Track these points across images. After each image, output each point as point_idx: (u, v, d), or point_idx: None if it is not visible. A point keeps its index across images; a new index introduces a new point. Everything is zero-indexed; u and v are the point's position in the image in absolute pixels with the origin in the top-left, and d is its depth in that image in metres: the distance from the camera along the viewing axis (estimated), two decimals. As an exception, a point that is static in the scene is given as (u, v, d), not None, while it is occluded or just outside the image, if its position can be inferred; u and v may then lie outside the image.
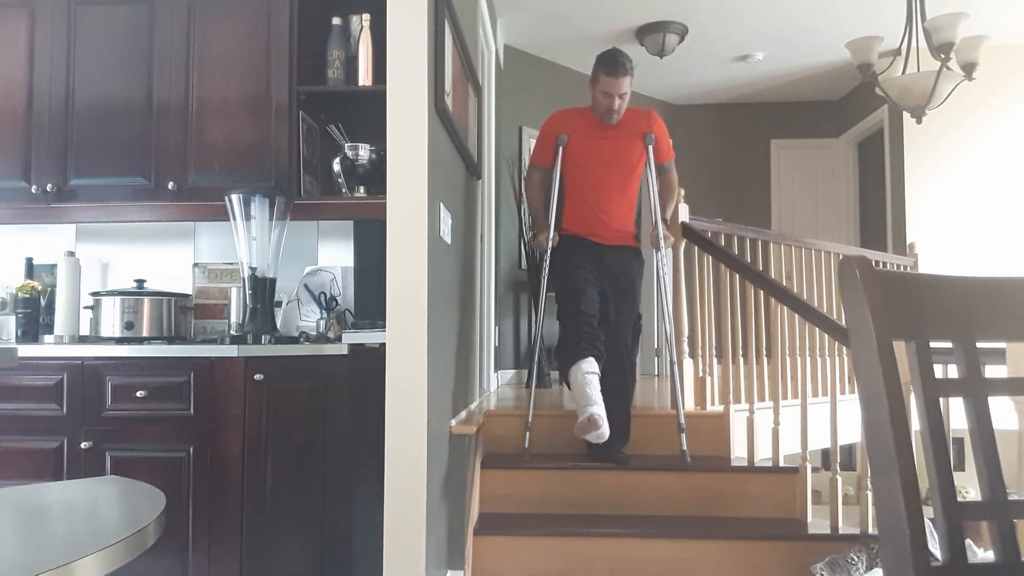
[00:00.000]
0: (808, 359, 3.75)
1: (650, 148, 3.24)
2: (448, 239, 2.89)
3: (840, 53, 5.31)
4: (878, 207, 6.16)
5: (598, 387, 3.02)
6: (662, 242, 3.24)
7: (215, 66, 2.94)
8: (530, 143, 5.82)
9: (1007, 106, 5.47)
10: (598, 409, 2.95)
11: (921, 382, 0.88)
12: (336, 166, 2.99)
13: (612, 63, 3.09)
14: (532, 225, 3.66)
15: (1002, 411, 1.06)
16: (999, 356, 1.47)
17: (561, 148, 3.24)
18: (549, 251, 3.22)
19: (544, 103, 5.85)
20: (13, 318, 3.07)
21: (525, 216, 5.25)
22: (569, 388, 3.12)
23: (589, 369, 3.04)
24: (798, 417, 3.14)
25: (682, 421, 3.15)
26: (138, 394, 2.56)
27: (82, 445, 2.55)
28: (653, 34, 5.32)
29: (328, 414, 2.70)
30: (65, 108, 2.96)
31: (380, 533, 2.41)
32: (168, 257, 3.22)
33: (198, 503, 2.55)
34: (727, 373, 3.44)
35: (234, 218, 2.87)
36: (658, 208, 3.29)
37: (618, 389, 3.15)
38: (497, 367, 5.04)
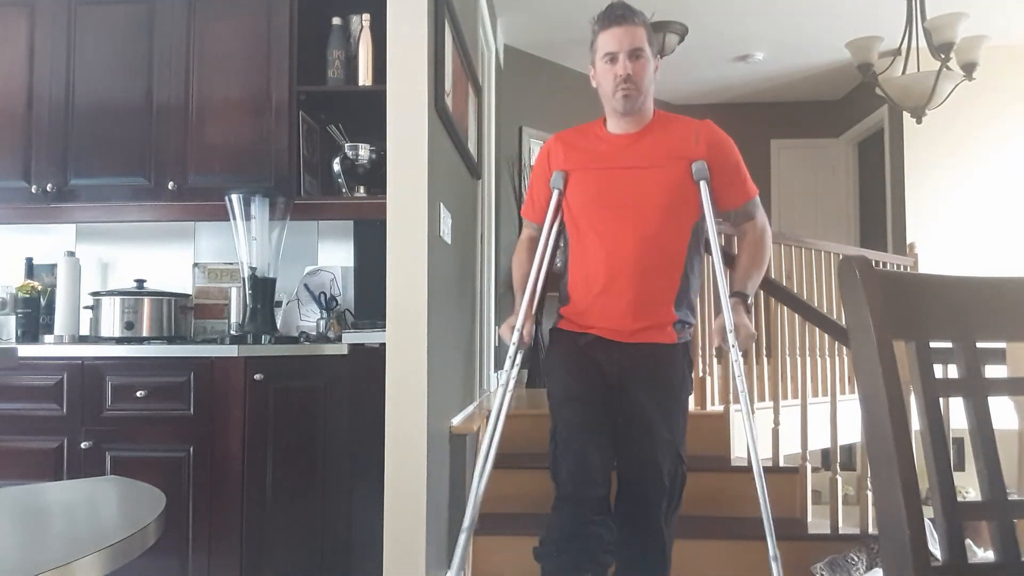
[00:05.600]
0: (808, 359, 3.75)
1: (703, 186, 2.02)
2: (448, 239, 2.89)
3: (840, 53, 5.30)
4: (878, 207, 6.15)
5: None
6: (732, 338, 1.98)
7: (215, 66, 2.94)
8: (530, 143, 5.80)
9: (1007, 106, 5.47)
10: None
11: (921, 382, 0.88)
12: (336, 166, 2.99)
13: (607, 12, 2.13)
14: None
15: (1002, 411, 1.06)
16: (999, 356, 1.47)
17: (558, 193, 2.12)
18: (515, 353, 2.12)
19: (544, 103, 5.87)
20: (13, 318, 3.07)
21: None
22: None
23: None
24: (798, 417, 3.14)
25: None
26: (138, 394, 2.56)
27: (82, 445, 2.55)
28: (653, 34, 5.31)
29: (328, 414, 2.70)
30: (65, 108, 2.95)
31: (380, 533, 2.42)
32: (168, 257, 3.22)
33: (198, 503, 2.55)
34: (727, 373, 3.44)
35: (234, 218, 2.87)
36: (723, 279, 2.07)
37: None
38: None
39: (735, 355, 2.00)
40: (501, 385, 2.17)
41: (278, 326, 2.97)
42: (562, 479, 2.00)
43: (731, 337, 1.97)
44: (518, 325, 2.12)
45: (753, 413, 3.26)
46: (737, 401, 3.42)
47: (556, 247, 2.24)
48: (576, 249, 2.12)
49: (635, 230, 2.01)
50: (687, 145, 2.05)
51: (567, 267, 2.16)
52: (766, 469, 3.12)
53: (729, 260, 2.50)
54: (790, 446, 3.27)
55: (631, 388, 2.03)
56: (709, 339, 2.22)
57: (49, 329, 3.02)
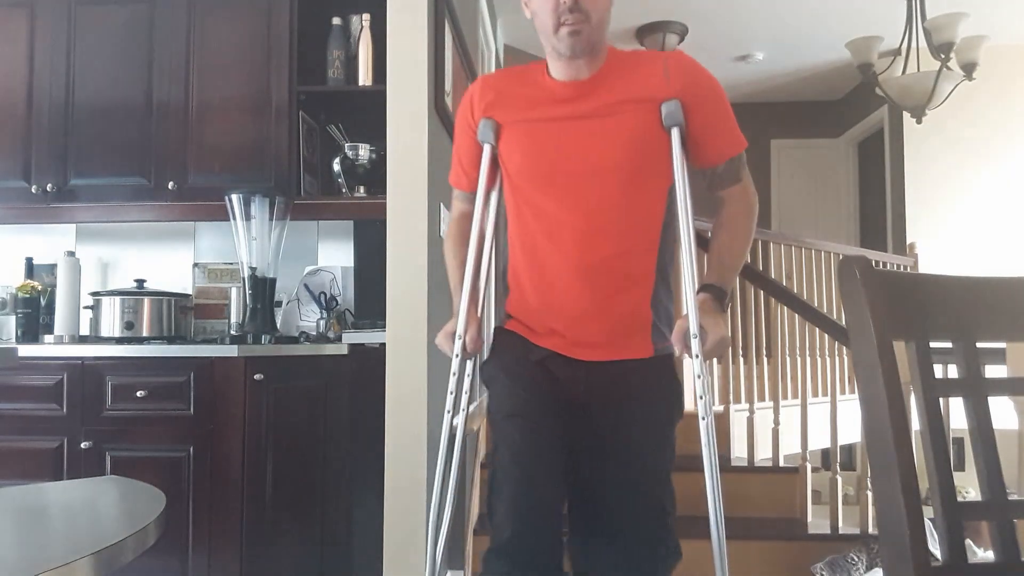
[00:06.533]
0: (808, 359, 3.75)
1: (675, 135, 1.53)
2: (448, 239, 2.88)
3: (840, 53, 5.31)
4: (878, 207, 6.15)
5: None
6: (696, 345, 1.48)
7: (215, 66, 2.94)
8: (530, 143, 5.78)
9: (1007, 106, 5.47)
10: None
11: (921, 382, 0.88)
12: (336, 166, 2.99)
13: None
14: None
15: (1002, 411, 1.06)
16: (999, 356, 1.47)
17: (490, 148, 1.62)
18: (461, 368, 1.65)
19: (544, 103, 5.86)
20: (13, 318, 3.07)
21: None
22: None
23: None
24: (798, 417, 3.14)
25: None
26: (138, 394, 2.56)
27: (82, 445, 2.54)
28: (653, 34, 5.32)
29: (328, 414, 2.70)
30: (65, 108, 2.95)
31: (380, 533, 2.42)
32: (168, 257, 3.22)
33: (198, 503, 2.55)
34: (727, 373, 3.44)
35: (234, 218, 2.87)
36: (692, 264, 1.54)
37: None
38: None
39: (699, 368, 1.48)
40: (447, 411, 1.64)
41: (278, 326, 2.97)
42: (499, 520, 1.47)
43: (695, 344, 1.47)
44: (459, 331, 1.62)
45: (757, 414, 3.27)
46: (738, 400, 3.42)
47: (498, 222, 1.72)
48: (514, 229, 1.62)
49: (589, 203, 1.51)
50: (655, 83, 1.52)
51: (506, 250, 1.67)
52: (766, 469, 3.15)
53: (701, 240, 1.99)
54: (790, 446, 3.27)
55: (599, 416, 1.55)
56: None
57: (49, 329, 3.02)
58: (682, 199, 1.54)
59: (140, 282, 2.95)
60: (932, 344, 0.90)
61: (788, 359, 3.50)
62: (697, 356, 1.49)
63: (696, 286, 1.53)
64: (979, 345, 0.91)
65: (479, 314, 1.68)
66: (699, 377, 1.50)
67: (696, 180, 1.59)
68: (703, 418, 1.52)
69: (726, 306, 1.56)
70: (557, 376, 1.57)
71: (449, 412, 1.64)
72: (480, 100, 1.62)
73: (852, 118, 6.55)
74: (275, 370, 2.62)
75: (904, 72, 3.90)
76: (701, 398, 1.51)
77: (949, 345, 0.91)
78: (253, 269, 2.87)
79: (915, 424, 0.90)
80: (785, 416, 3.26)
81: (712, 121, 1.58)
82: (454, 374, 1.63)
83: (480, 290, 1.68)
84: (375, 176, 2.94)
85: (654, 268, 1.56)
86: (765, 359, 3.57)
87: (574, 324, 1.55)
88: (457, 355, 1.63)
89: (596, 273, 1.52)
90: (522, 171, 1.58)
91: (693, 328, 1.48)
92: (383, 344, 2.50)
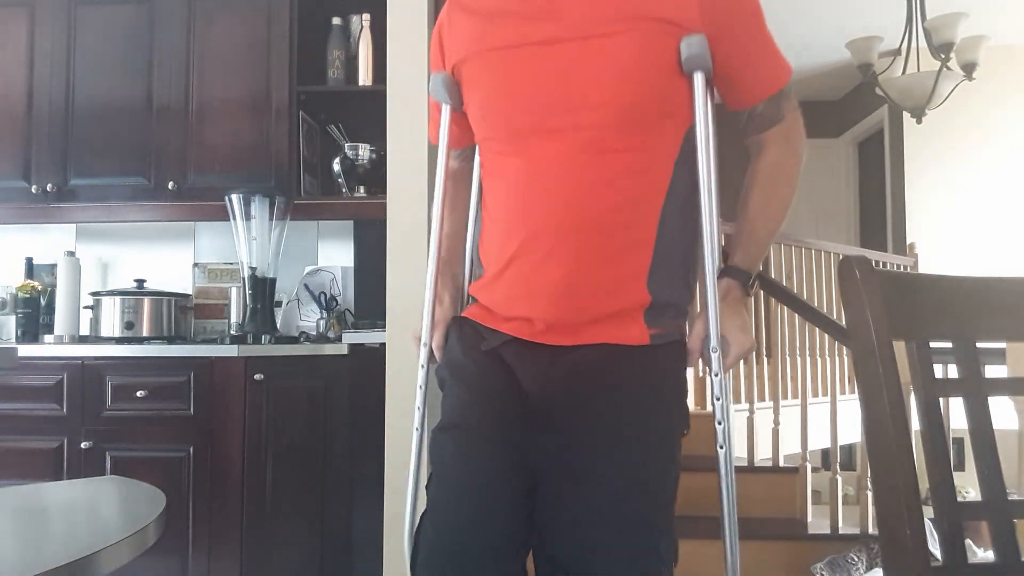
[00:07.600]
0: (808, 359, 3.75)
1: (698, 80, 1.15)
2: (448, 239, 2.89)
3: (840, 53, 5.31)
4: (878, 207, 6.15)
5: None
6: (716, 362, 1.21)
7: (215, 66, 2.94)
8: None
9: (1007, 106, 5.47)
10: None
11: (921, 382, 0.88)
12: (336, 166, 2.99)
13: None
14: None
15: (1002, 411, 1.06)
16: (999, 356, 1.47)
17: (447, 109, 1.31)
18: (424, 374, 1.36)
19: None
20: (13, 318, 3.07)
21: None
22: None
23: None
24: (798, 417, 3.14)
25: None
26: (138, 394, 2.56)
27: (82, 445, 2.55)
28: (653, 34, 5.32)
29: (328, 414, 2.70)
30: (65, 108, 2.96)
31: (380, 533, 2.42)
32: (168, 257, 3.22)
33: (198, 503, 2.55)
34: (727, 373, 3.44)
35: (234, 218, 2.87)
36: (714, 244, 1.21)
37: None
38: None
39: (719, 389, 1.22)
40: (415, 428, 1.35)
41: (278, 326, 2.97)
42: (419, 568, 1.16)
43: (715, 360, 1.18)
44: (424, 336, 1.31)
45: (757, 414, 3.27)
46: (738, 400, 3.42)
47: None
48: (486, 187, 1.29)
49: (572, 150, 1.13)
50: (670, 1, 1.13)
51: (479, 218, 1.34)
52: (766, 469, 3.14)
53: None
54: (790, 446, 3.27)
55: (563, 423, 1.16)
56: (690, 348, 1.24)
57: (49, 329, 3.02)
58: (705, 150, 1.17)
59: (140, 282, 2.95)
60: (932, 344, 0.90)
61: (788, 359, 3.50)
62: (717, 375, 1.20)
63: (716, 272, 1.20)
64: (979, 345, 0.91)
65: (454, 311, 1.33)
66: (718, 400, 1.21)
67: (721, 118, 1.21)
68: (721, 446, 1.28)
69: (751, 294, 1.26)
70: (514, 369, 1.19)
71: (418, 430, 1.33)
72: (447, 35, 1.27)
73: (852, 118, 6.54)
74: (275, 370, 2.62)
75: (904, 72, 3.90)
76: (720, 423, 1.23)
77: (949, 345, 0.91)
78: (253, 269, 2.87)
79: (915, 424, 0.90)
80: (785, 416, 3.26)
81: (748, 51, 1.22)
82: (420, 387, 1.33)
83: (465, 278, 1.37)
84: (375, 176, 2.94)
85: (655, 231, 1.17)
86: (765, 359, 3.57)
87: (550, 303, 1.16)
88: (423, 366, 1.32)
89: (579, 234, 1.14)
90: (487, 118, 1.22)
91: (713, 338, 1.18)
92: (383, 344, 2.50)
